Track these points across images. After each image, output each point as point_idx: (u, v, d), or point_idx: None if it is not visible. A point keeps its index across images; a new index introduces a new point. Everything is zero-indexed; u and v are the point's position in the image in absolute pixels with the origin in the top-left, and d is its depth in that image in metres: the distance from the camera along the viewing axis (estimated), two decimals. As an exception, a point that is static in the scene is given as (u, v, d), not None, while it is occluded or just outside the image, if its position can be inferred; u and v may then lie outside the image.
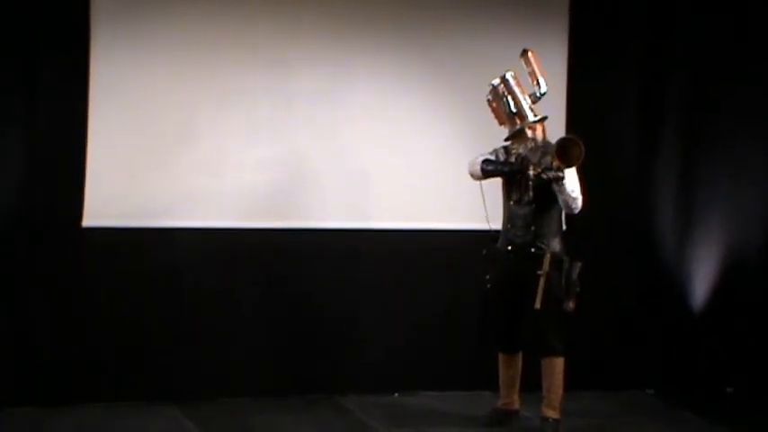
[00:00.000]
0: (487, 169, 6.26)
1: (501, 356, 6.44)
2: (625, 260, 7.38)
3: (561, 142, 6.00)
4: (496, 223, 6.36)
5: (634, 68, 7.45)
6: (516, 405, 6.46)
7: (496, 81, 6.28)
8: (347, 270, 7.02)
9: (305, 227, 6.93)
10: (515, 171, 6.22)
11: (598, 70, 7.34)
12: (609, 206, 7.31)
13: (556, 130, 6.70)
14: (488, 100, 6.34)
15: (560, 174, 6.02)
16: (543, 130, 6.31)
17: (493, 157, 6.31)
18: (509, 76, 6.26)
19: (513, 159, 6.26)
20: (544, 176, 6.07)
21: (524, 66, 6.31)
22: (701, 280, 7.48)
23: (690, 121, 7.50)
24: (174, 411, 6.54)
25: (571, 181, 6.10)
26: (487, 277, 6.36)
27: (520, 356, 6.42)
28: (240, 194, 6.82)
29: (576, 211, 6.21)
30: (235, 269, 6.87)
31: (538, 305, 6.10)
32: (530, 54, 6.29)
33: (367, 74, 7.02)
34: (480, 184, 6.31)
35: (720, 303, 7.45)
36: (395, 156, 7.07)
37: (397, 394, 7.08)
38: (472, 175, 6.34)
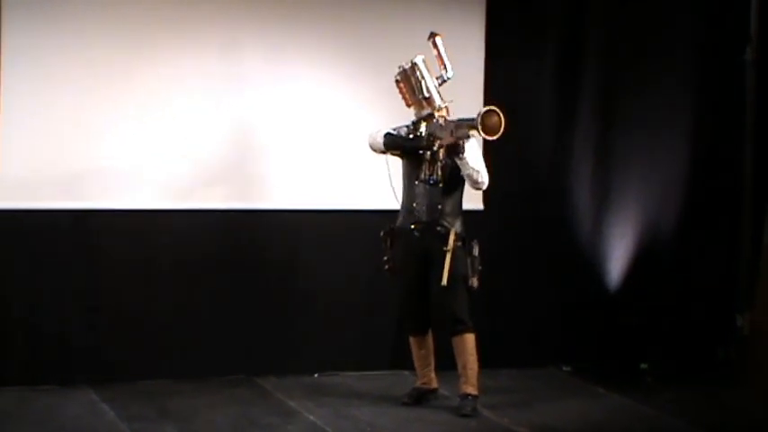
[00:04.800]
0: (389, 143, 6.28)
1: (410, 338, 6.49)
2: (542, 239, 7.45)
3: (484, 113, 5.95)
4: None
5: (551, 51, 7.51)
6: (434, 384, 6.50)
7: (407, 64, 6.28)
8: (265, 251, 6.99)
9: (224, 208, 6.89)
10: (420, 147, 6.22)
11: (515, 52, 7.38)
12: (527, 186, 7.40)
13: (473, 104, 6.70)
14: (397, 81, 6.33)
15: (468, 135, 6.00)
16: (447, 113, 6.30)
17: (395, 133, 6.34)
18: (419, 60, 6.26)
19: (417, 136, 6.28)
20: (457, 137, 6.02)
21: (432, 49, 6.31)
22: (617, 258, 7.60)
23: (606, 104, 7.60)
24: (90, 395, 6.46)
25: (473, 157, 6.16)
26: (385, 258, 6.39)
27: (429, 336, 6.46)
28: (161, 176, 6.75)
29: (482, 187, 6.27)
30: (152, 251, 6.79)
31: (445, 282, 6.15)
32: (437, 38, 6.30)
33: (289, 55, 6.97)
34: (387, 166, 6.32)
35: (635, 281, 7.58)
36: (313, 137, 7.05)
37: (317, 375, 7.08)
38: (372, 147, 6.37)
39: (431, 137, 6.20)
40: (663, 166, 7.62)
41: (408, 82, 6.29)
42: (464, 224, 6.32)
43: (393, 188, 6.34)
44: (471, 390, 6.32)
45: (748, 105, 7.53)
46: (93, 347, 6.66)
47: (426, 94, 6.26)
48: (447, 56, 6.30)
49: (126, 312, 6.73)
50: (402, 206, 6.39)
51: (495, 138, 5.93)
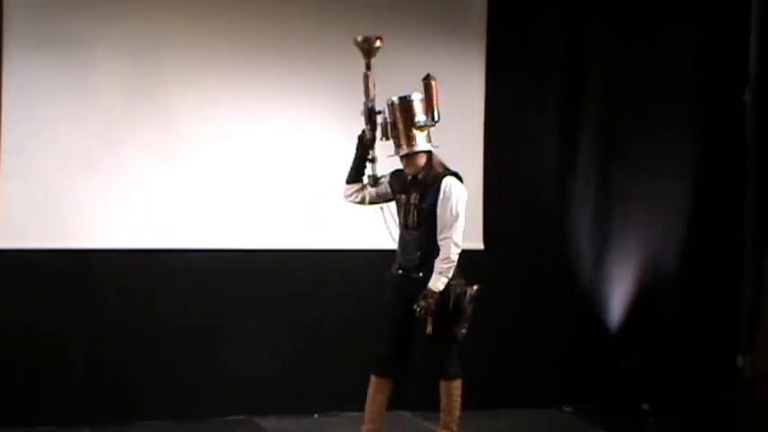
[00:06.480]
0: (346, 177, 6.20)
1: (373, 379, 6.20)
2: (543, 279, 7.46)
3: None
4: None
5: (552, 96, 7.57)
6: None
7: (395, 99, 6.02)
8: (265, 291, 7.01)
9: (223, 248, 6.91)
10: (361, 145, 6.10)
11: (515, 96, 7.43)
12: (527, 225, 7.42)
13: (474, 145, 6.67)
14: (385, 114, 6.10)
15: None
16: (430, 159, 6.07)
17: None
18: (413, 96, 5.99)
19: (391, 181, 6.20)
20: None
21: (423, 91, 5.99)
22: (618, 299, 7.59)
23: (606, 146, 7.64)
24: (89, 435, 6.47)
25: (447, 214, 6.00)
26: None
27: (391, 385, 6.19)
28: (159, 216, 6.80)
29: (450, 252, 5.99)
30: (151, 291, 6.81)
31: (429, 330, 5.99)
32: (432, 81, 5.97)
33: (275, 90, 7.03)
34: (384, 209, 6.24)
35: (636, 322, 7.56)
36: (293, 176, 7.08)
37: (316, 415, 7.05)
38: (346, 196, 6.25)
39: (363, 133, 6.10)
40: (663, 208, 7.62)
41: (394, 115, 6.03)
42: (456, 268, 6.00)
43: (389, 229, 6.18)
44: None
45: (747, 147, 7.53)
46: (93, 388, 6.68)
47: (412, 130, 5.99)
48: (437, 101, 5.97)
49: (125, 353, 6.74)
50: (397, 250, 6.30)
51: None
